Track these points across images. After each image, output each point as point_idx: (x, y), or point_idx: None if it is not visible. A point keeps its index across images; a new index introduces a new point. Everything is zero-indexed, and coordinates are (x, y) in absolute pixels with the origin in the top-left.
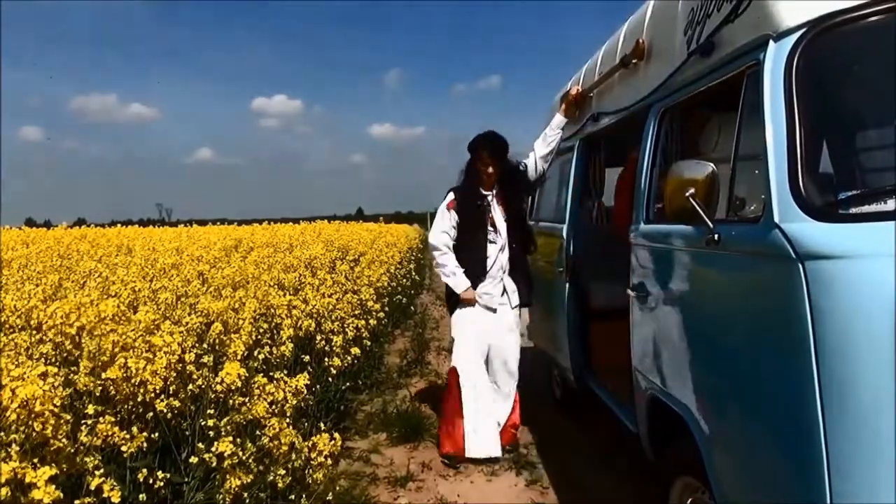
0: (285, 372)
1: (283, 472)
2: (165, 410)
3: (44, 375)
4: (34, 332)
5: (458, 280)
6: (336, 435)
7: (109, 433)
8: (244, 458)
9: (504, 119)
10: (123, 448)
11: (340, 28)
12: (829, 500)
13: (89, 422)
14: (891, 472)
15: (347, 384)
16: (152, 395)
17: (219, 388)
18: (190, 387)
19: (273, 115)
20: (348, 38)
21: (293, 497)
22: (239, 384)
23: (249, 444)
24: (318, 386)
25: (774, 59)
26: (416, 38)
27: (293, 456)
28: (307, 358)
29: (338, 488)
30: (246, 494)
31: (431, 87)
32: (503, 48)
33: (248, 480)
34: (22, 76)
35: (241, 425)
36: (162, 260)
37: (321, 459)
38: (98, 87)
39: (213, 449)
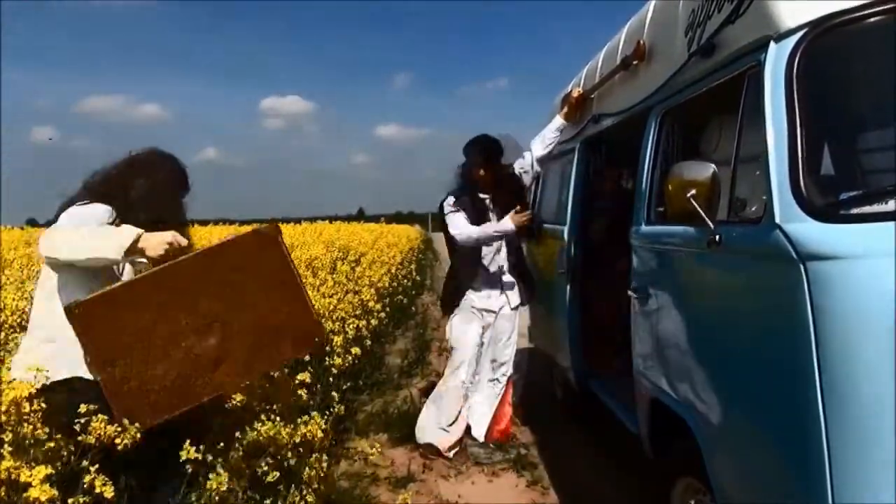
0: (287, 371)
1: (275, 472)
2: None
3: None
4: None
5: (500, 225)
6: (324, 424)
7: (102, 431)
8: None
9: (511, 121)
10: (118, 441)
11: (349, 30)
12: (830, 501)
13: (82, 420)
14: (892, 472)
15: (348, 384)
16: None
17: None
18: None
19: (278, 115)
20: (357, 40)
21: (285, 492)
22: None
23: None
24: (318, 385)
25: (775, 60)
26: (425, 41)
27: (288, 453)
28: (307, 357)
29: (340, 487)
30: (238, 491)
31: (439, 89)
32: (511, 50)
33: (227, 483)
34: (31, 77)
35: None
36: None
37: (317, 456)
38: (107, 87)
39: (201, 448)
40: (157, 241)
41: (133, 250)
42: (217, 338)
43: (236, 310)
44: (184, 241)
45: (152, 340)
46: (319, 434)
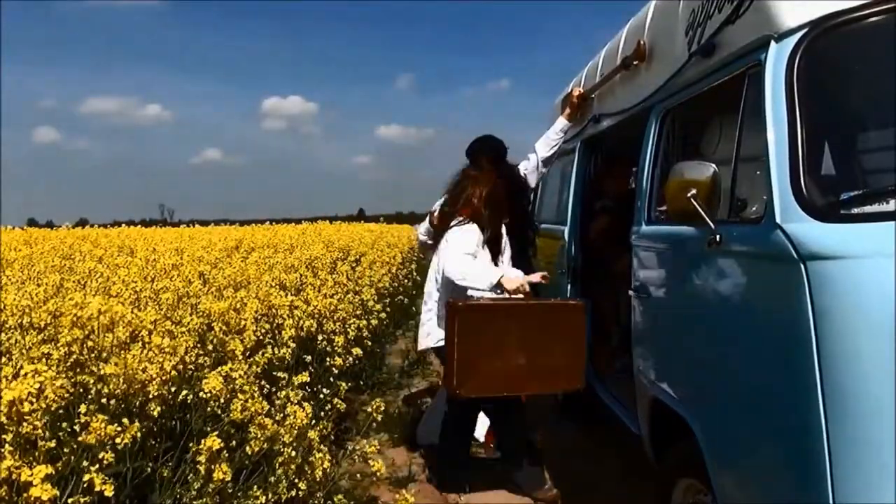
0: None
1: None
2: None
3: (35, 374)
4: (36, 332)
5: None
6: (306, 405)
7: (102, 431)
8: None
9: (513, 121)
10: (118, 440)
11: (354, 31)
12: (831, 501)
13: (82, 419)
14: (892, 472)
15: (349, 384)
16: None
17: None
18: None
19: (280, 116)
20: (359, 40)
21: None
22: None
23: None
24: (319, 385)
25: (776, 60)
26: (428, 42)
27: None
28: (309, 358)
29: (340, 487)
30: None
31: (440, 90)
32: (513, 51)
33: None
34: (32, 77)
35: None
36: (163, 260)
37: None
38: (109, 88)
39: (201, 446)
40: (513, 282)
41: (497, 284)
42: (524, 359)
43: (540, 345)
44: (527, 286)
45: (492, 343)
46: (303, 419)
